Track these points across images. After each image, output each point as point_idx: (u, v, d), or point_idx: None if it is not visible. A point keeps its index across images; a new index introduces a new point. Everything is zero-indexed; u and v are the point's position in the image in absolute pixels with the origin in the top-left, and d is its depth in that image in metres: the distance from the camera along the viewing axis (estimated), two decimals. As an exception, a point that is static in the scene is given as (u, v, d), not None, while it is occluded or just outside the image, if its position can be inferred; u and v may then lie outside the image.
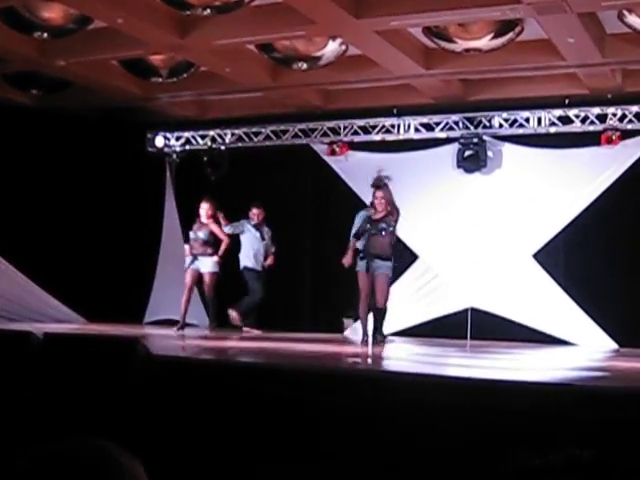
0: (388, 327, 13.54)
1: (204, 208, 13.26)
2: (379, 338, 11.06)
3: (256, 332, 13.06)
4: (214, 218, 13.23)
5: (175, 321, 13.38)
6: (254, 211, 13.43)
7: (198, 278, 13.27)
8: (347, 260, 11.17)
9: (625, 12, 10.47)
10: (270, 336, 12.31)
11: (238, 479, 5.28)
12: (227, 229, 13.22)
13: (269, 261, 13.47)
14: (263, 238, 13.44)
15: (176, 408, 5.66)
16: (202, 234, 13.15)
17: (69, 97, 14.08)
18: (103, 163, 15.16)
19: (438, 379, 6.25)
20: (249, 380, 6.11)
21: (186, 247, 13.35)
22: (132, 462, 1.76)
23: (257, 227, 13.45)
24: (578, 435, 4.79)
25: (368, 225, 11.05)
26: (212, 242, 13.19)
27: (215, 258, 13.09)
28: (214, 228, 13.19)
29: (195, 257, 13.13)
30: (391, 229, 11.25)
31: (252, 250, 13.40)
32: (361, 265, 11.11)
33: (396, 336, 13.57)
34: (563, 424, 4.90)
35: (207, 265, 13.11)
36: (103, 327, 12.65)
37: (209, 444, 5.51)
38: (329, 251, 12.45)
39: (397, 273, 13.81)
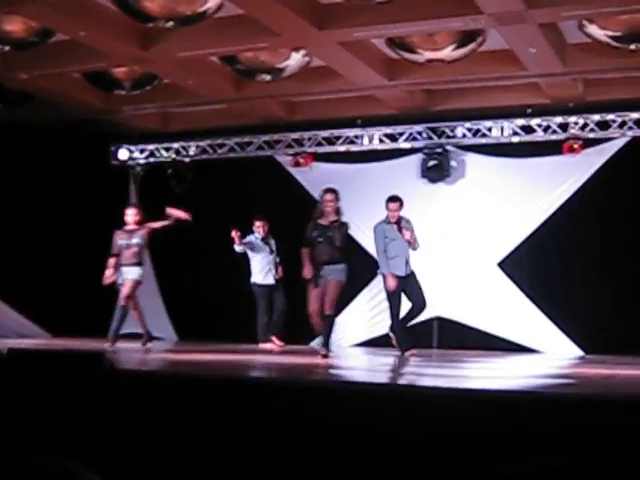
0: (354, 337, 13.60)
1: (131, 214, 12.39)
2: (323, 351, 10.42)
3: (278, 344, 12.80)
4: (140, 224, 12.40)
5: (140, 335, 13.29)
6: (257, 224, 13.10)
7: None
8: (307, 272, 10.51)
9: (585, 22, 10.57)
10: (239, 348, 12.27)
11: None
12: (238, 249, 12.85)
13: (279, 272, 13.21)
14: (272, 251, 13.19)
15: (142, 422, 5.63)
16: (137, 239, 12.24)
17: (32, 110, 13.99)
18: (67, 176, 15.08)
19: (403, 389, 6.26)
20: (215, 393, 6.09)
21: (111, 261, 12.20)
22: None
23: (264, 240, 13.17)
24: (545, 443, 4.82)
25: (315, 232, 10.58)
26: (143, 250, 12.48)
27: (141, 269, 12.27)
28: (151, 225, 12.37)
29: (120, 268, 12.19)
30: (340, 237, 10.56)
31: (261, 265, 13.07)
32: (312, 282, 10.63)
33: (362, 346, 13.59)
34: (530, 432, 4.92)
35: (132, 273, 12.19)
36: (68, 342, 12.56)
37: (175, 457, 5.48)
38: (295, 262, 12.43)
39: (363, 283, 13.86)
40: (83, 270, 14.81)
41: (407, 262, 11.28)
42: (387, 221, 11.32)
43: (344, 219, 10.75)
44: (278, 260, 13.22)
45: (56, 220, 14.90)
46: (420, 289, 11.31)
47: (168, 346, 13.44)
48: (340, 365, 9.94)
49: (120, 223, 12.36)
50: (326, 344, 10.47)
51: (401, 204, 11.29)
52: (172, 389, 6.22)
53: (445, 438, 4.98)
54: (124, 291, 12.09)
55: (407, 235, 11.18)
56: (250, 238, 13.02)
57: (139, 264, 12.25)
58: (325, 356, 10.26)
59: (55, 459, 1.74)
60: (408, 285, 11.23)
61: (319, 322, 10.50)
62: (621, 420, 4.95)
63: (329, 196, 10.74)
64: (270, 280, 13.06)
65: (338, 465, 5.08)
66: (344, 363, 10.61)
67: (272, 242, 13.20)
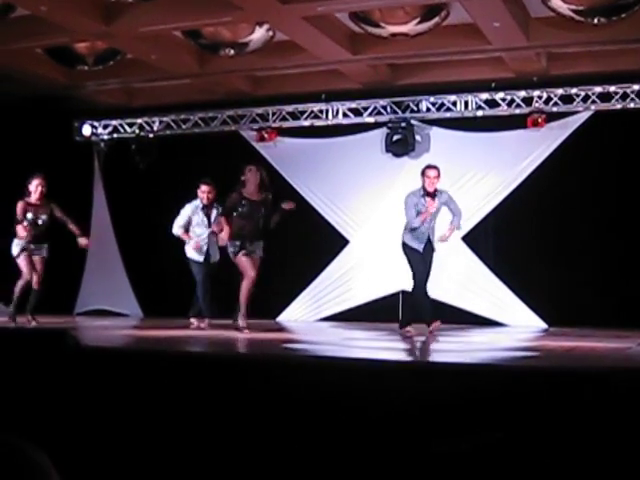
0: (320, 312, 13.64)
1: (38, 184, 11.71)
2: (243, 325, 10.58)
3: (203, 324, 11.74)
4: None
5: (106, 311, 13.24)
6: (203, 188, 11.80)
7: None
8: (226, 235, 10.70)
9: (549, -4, 10.60)
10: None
11: (168, 469, 5.27)
12: (175, 230, 11.88)
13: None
14: (210, 224, 11.81)
15: (107, 400, 5.62)
16: (44, 217, 11.68)
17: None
18: (30, 153, 14.93)
19: (368, 363, 6.28)
20: (183, 369, 6.09)
21: (20, 228, 11.54)
22: (43, 460, 1.74)
23: (205, 209, 11.82)
24: (507, 416, 4.86)
25: (243, 206, 10.73)
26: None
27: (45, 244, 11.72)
28: (58, 211, 11.80)
29: (30, 242, 11.61)
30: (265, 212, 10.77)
31: (195, 238, 11.83)
32: (242, 251, 10.68)
33: (328, 321, 13.63)
34: (492, 405, 4.96)
35: (43, 251, 11.78)
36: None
37: (142, 436, 5.48)
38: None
39: (330, 257, 13.90)
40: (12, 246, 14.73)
41: (429, 238, 10.74)
42: (422, 192, 10.63)
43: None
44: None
45: (19, 197, 14.77)
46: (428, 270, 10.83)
47: (133, 322, 13.40)
48: (305, 339, 9.96)
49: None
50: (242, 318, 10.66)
51: (439, 173, 10.66)
52: (137, 366, 6.21)
53: (406, 412, 5.01)
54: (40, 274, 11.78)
55: (433, 207, 10.55)
56: (185, 208, 11.89)
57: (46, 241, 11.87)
58: (243, 330, 10.44)
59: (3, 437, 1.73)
60: (428, 259, 10.85)
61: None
62: (583, 391, 5.00)
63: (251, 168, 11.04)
64: (200, 257, 11.89)
65: (297, 439, 5.10)
66: (309, 337, 10.63)
67: (213, 213, 11.81)
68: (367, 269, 13.90)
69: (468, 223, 13.30)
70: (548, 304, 12.76)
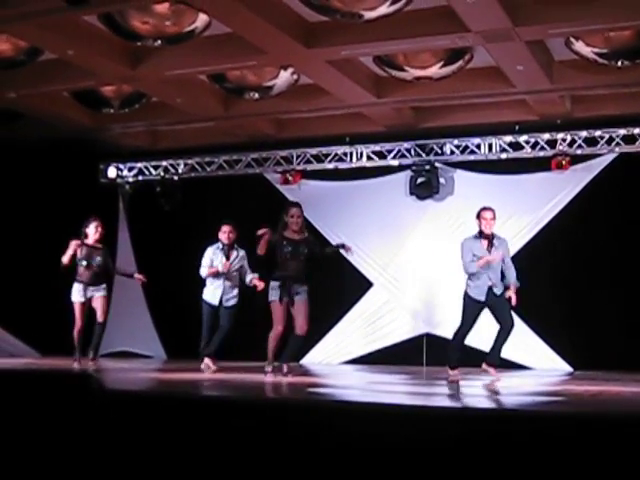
0: (344, 355, 13.60)
1: (97, 225, 11.64)
2: (289, 368, 10.15)
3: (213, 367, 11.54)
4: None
5: (130, 353, 13.25)
6: (224, 229, 11.56)
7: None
8: (262, 249, 9.96)
9: (572, 39, 10.64)
10: (222, 366, 12.24)
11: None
12: (202, 271, 11.69)
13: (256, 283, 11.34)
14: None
15: (132, 443, 5.61)
16: (99, 259, 11.59)
17: (21, 129, 14.00)
18: (56, 195, 15.05)
19: (394, 408, 6.24)
20: (205, 413, 6.08)
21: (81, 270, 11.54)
22: None
23: (225, 249, 11.56)
24: (530, 462, 4.81)
25: (288, 247, 10.00)
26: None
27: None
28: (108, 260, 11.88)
29: (87, 286, 11.54)
30: (307, 253, 10.10)
31: (212, 280, 11.64)
32: (274, 294, 10.03)
33: (351, 363, 13.58)
34: (517, 451, 4.91)
35: (101, 290, 11.68)
36: (57, 361, 12.52)
37: (166, 478, 5.46)
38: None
39: (353, 300, 13.88)
40: (71, 290, 14.78)
41: (494, 284, 9.96)
42: (477, 235, 10.10)
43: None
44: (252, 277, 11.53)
45: (45, 239, 14.85)
46: (509, 310, 10.12)
47: (157, 365, 13.39)
48: (330, 383, 9.91)
49: (108, 240, 12.26)
50: (292, 360, 10.48)
51: (495, 215, 10.15)
52: (161, 409, 6.20)
53: (433, 457, 4.97)
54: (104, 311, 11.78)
55: (496, 256, 9.91)
56: (207, 251, 11.68)
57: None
58: (287, 373, 10.08)
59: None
60: (495, 308, 10.07)
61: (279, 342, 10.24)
62: (608, 437, 4.95)
63: (295, 210, 10.21)
64: (216, 300, 11.68)
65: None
66: (334, 381, 10.58)
67: (235, 253, 11.59)
68: (391, 312, 13.87)
69: (492, 266, 13.27)
70: (574, 347, 12.68)
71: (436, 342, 13.35)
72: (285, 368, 10.10)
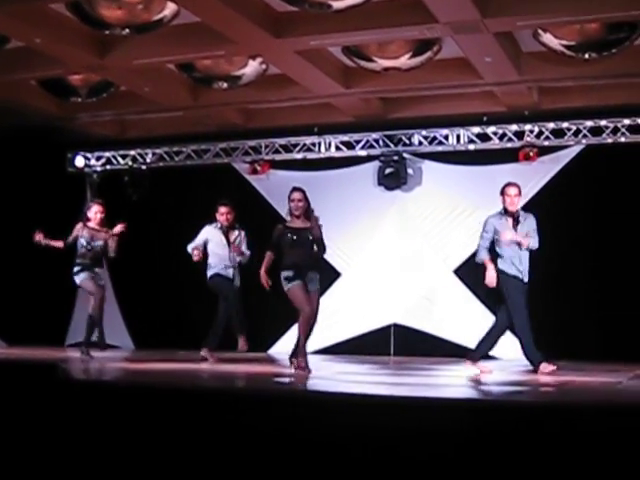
0: (311, 345, 13.58)
1: (96, 211, 11.56)
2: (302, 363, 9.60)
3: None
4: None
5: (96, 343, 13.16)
6: (221, 210, 11.36)
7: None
8: (265, 279, 9.57)
9: (540, 31, 10.70)
10: (195, 356, 12.22)
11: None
12: (188, 248, 11.34)
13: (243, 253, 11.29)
14: (229, 245, 11.37)
15: (96, 434, 5.60)
16: (99, 243, 11.56)
17: (-13, 117, 13.92)
18: (22, 184, 14.97)
19: (360, 398, 6.26)
20: (175, 403, 6.07)
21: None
22: None
23: (223, 230, 11.40)
24: (493, 452, 4.85)
25: (291, 236, 9.45)
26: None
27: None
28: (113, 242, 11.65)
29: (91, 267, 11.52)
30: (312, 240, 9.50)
31: (217, 261, 11.37)
32: (287, 282, 9.41)
33: (319, 353, 13.59)
34: (480, 441, 4.95)
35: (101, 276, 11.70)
36: (24, 351, 12.46)
37: (129, 470, 5.46)
38: (252, 268, 12.40)
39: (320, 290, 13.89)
40: (39, 278, 14.72)
41: (520, 271, 9.60)
42: (502, 212, 9.65)
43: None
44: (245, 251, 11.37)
45: (11, 228, 14.78)
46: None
47: (125, 354, 13.35)
48: (297, 373, 9.91)
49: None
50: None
51: (520, 191, 9.68)
52: (129, 399, 6.18)
53: (400, 445, 5.00)
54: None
55: (515, 235, 9.50)
56: (204, 232, 11.47)
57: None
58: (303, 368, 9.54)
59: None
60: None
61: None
62: (574, 427, 4.99)
63: (297, 194, 9.62)
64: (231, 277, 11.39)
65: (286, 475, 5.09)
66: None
67: (234, 234, 11.43)
68: (359, 302, 13.89)
69: (460, 256, 13.34)
70: (540, 338, 12.72)
71: (403, 332, 13.41)
72: (301, 362, 9.62)
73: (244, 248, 11.37)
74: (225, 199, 11.59)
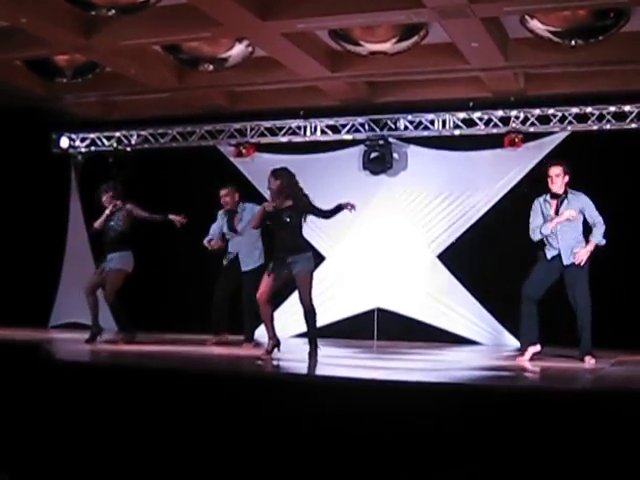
0: (295, 328, 13.62)
1: (109, 195, 11.36)
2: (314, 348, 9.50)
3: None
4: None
5: (81, 325, 13.15)
6: (220, 195, 11.51)
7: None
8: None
9: (527, 17, 10.69)
10: (179, 339, 12.23)
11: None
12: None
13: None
14: (231, 228, 11.49)
15: (79, 415, 5.60)
16: (112, 223, 11.36)
17: (-29, 97, 13.84)
18: (6, 164, 14.90)
19: (344, 381, 6.29)
20: (160, 385, 6.08)
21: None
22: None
23: (227, 214, 11.51)
24: (476, 436, 4.87)
25: (272, 219, 9.43)
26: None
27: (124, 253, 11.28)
28: (130, 207, 11.33)
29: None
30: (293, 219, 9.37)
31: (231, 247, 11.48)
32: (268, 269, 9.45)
33: (303, 337, 13.59)
34: (462, 425, 4.97)
35: (112, 262, 11.40)
36: (5, 332, 12.42)
37: (120, 451, 5.46)
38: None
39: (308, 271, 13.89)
40: (22, 259, 14.69)
41: (561, 252, 9.33)
42: (547, 195, 9.37)
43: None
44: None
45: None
46: (581, 285, 9.42)
47: (107, 336, 13.32)
48: (279, 356, 9.93)
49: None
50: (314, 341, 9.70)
51: (565, 171, 9.22)
52: (111, 381, 6.19)
53: (380, 431, 5.02)
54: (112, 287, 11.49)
55: (547, 229, 9.29)
56: (218, 219, 11.51)
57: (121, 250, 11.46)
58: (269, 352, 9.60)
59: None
60: (566, 282, 9.51)
61: (264, 311, 9.76)
62: (554, 411, 5.02)
63: (269, 177, 9.56)
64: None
65: (272, 454, 5.10)
66: (283, 354, 10.60)
67: (238, 215, 11.47)
68: (343, 286, 13.89)
69: (444, 242, 13.37)
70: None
71: (387, 316, 13.42)
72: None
73: (240, 226, 11.38)
74: (225, 183, 11.71)
